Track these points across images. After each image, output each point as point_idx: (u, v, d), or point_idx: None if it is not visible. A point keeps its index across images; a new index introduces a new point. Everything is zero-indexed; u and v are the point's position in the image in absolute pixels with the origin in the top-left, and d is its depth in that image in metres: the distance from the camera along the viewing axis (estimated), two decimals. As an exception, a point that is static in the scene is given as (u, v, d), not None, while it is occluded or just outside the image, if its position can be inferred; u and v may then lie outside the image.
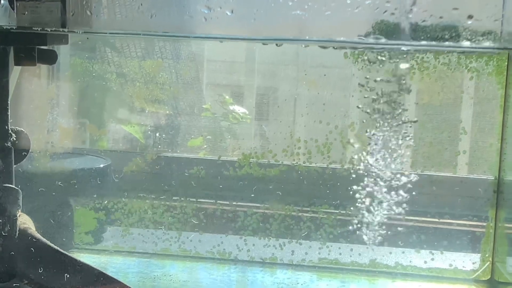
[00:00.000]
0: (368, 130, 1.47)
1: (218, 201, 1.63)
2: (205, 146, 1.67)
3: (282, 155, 1.59)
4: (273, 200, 1.60)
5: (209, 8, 1.23)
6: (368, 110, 1.46)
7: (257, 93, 1.68)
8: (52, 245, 1.32)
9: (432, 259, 1.57)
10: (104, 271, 1.28)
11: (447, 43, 1.25)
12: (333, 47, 1.37)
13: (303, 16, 1.21)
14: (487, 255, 1.56)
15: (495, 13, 1.21)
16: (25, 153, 1.35)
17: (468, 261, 1.57)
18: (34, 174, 1.59)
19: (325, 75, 1.58)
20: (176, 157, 1.67)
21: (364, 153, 1.49)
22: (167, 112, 1.67)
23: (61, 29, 1.29)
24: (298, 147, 1.59)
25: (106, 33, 1.37)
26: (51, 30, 1.29)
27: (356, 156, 1.52)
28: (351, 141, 1.53)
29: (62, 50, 1.59)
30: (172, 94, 1.67)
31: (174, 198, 1.63)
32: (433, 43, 1.25)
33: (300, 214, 1.61)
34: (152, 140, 1.67)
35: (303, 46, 1.41)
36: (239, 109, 1.69)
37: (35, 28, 1.27)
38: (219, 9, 1.22)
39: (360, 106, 1.47)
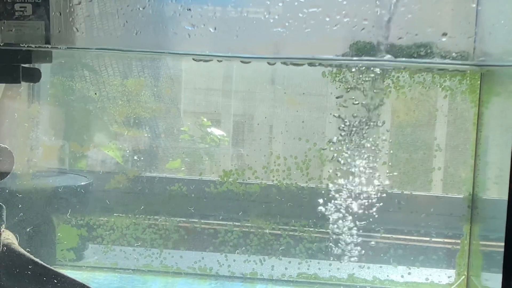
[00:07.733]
0: (345, 148, 1.51)
1: (200, 219, 1.65)
2: (183, 168, 1.69)
3: (262, 171, 1.61)
4: (253, 216, 1.62)
5: (193, 25, 1.26)
6: (345, 128, 1.49)
7: (235, 114, 1.70)
8: (35, 259, 1.34)
9: (409, 274, 1.60)
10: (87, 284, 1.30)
11: (423, 60, 1.29)
12: (309, 64, 1.40)
13: (283, 33, 1.25)
14: (462, 269, 1.59)
15: (468, 30, 1.26)
16: (9, 170, 1.37)
17: (444, 275, 1.60)
18: (17, 191, 1.59)
19: (303, 93, 1.60)
20: (156, 176, 1.69)
21: (341, 171, 1.52)
22: (146, 134, 1.68)
23: (45, 46, 1.32)
24: (277, 164, 1.61)
25: (92, 49, 1.40)
26: (35, 46, 1.32)
27: (333, 174, 1.54)
28: (328, 158, 1.55)
29: (45, 69, 1.60)
30: (152, 114, 1.68)
31: (155, 216, 1.65)
32: (410, 59, 1.29)
33: (279, 230, 1.63)
34: (130, 163, 1.69)
35: (281, 63, 1.44)
36: (217, 131, 1.71)
37: (21, 45, 1.30)
38: (202, 26, 1.26)
39: (338, 125, 1.51)
